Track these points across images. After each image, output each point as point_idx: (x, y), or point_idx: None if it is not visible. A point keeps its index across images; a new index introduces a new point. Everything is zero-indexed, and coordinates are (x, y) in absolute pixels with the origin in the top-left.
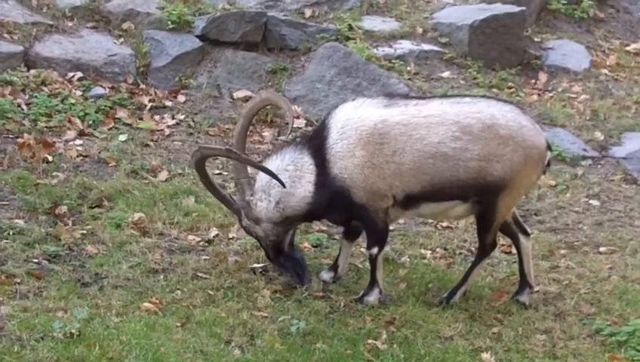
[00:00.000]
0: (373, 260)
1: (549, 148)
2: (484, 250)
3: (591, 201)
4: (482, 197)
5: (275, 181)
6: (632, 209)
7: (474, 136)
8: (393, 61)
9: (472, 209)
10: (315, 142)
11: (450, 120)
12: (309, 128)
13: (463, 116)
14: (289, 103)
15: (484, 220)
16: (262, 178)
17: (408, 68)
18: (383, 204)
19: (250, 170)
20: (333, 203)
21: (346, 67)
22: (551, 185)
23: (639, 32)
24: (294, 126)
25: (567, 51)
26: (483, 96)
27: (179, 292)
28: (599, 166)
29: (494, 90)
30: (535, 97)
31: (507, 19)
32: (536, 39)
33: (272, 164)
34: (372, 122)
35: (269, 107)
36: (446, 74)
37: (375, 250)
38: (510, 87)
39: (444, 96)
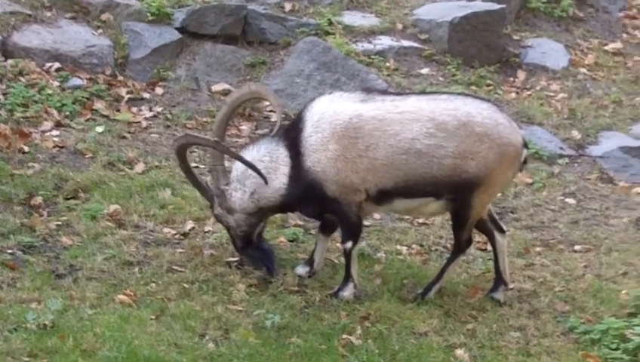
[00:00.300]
0: (347, 254)
1: (525, 146)
2: (460, 246)
3: (567, 200)
4: (456, 195)
5: (250, 172)
6: (607, 208)
7: (449, 133)
8: (372, 57)
9: (447, 206)
10: (291, 135)
11: (426, 116)
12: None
13: (438, 113)
14: (278, 99)
15: (459, 217)
16: (238, 168)
17: (387, 64)
18: (356, 198)
19: (227, 158)
20: (307, 195)
21: (325, 62)
22: (527, 183)
23: (618, 32)
24: (274, 121)
25: (546, 50)
26: (461, 94)
27: (153, 284)
28: (576, 164)
29: (473, 87)
30: (513, 95)
31: (487, 17)
32: (515, 37)
33: (248, 154)
34: (347, 116)
35: (251, 100)
36: (425, 70)
37: (349, 244)
38: (489, 85)
39: (422, 92)
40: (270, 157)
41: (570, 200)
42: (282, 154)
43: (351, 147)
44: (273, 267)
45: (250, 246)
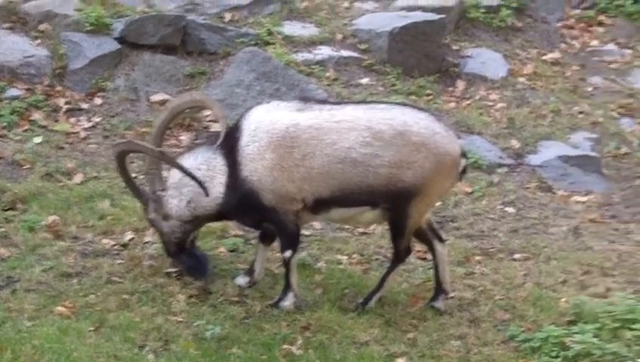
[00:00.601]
0: (287, 264)
1: (463, 155)
2: (399, 255)
3: (506, 208)
4: (393, 204)
5: (187, 179)
6: (546, 216)
7: (385, 143)
8: (312, 67)
9: (384, 215)
10: (228, 143)
11: (363, 125)
12: None
13: (375, 122)
14: (221, 109)
15: (397, 226)
16: (175, 175)
17: (327, 74)
18: (293, 207)
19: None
20: (244, 205)
21: (265, 72)
22: (467, 192)
23: (556, 42)
24: (214, 131)
25: (485, 59)
26: (399, 103)
27: (93, 296)
28: (515, 173)
29: (413, 97)
30: (453, 105)
31: (426, 27)
32: (454, 47)
33: (185, 162)
34: (284, 125)
35: (192, 109)
36: (365, 80)
37: (288, 254)
38: (428, 95)
39: (360, 101)
40: (207, 166)
41: (510, 209)
42: (219, 163)
43: (287, 156)
44: (206, 274)
45: (183, 253)
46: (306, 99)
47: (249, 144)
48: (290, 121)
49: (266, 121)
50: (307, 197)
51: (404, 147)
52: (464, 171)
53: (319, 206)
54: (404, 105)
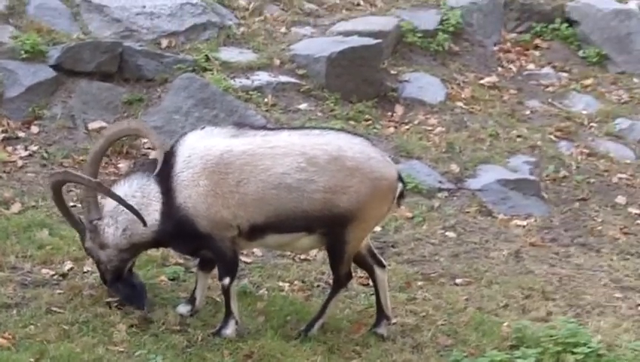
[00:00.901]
0: (226, 291)
1: (400, 179)
2: (339, 281)
3: (447, 233)
4: (329, 229)
5: (122, 207)
6: (487, 240)
7: (320, 168)
8: (250, 92)
9: (320, 240)
10: (162, 170)
11: (297, 151)
12: None
13: (309, 147)
14: (158, 136)
15: (335, 252)
16: (110, 203)
17: (266, 99)
18: (228, 233)
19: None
20: (179, 232)
21: (203, 98)
22: (408, 217)
23: (493, 66)
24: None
25: (423, 84)
26: (333, 129)
27: (32, 327)
28: (455, 198)
29: (351, 122)
30: (392, 129)
31: (364, 52)
32: (392, 72)
33: (120, 190)
34: (218, 151)
35: (129, 137)
36: (303, 106)
37: (227, 281)
38: (367, 120)
39: (295, 127)
40: (142, 193)
41: (451, 234)
42: (154, 190)
43: (222, 182)
44: (144, 303)
45: (120, 282)
46: (240, 125)
47: (183, 171)
48: (225, 147)
49: (200, 148)
50: (242, 223)
51: (339, 172)
52: (402, 196)
53: (255, 232)
54: (340, 130)
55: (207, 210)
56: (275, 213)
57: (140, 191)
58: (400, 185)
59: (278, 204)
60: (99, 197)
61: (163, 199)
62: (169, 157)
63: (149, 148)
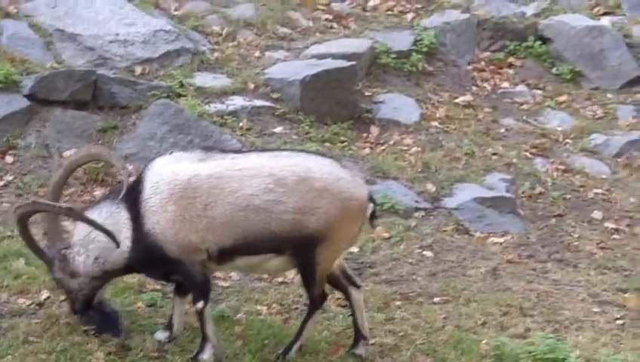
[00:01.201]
0: (200, 315)
1: (371, 200)
2: (314, 302)
3: (424, 252)
4: (299, 250)
5: (94, 235)
6: (464, 259)
7: (288, 189)
8: (225, 117)
9: (290, 262)
10: (132, 196)
11: (265, 172)
12: None
13: (278, 169)
14: (121, 161)
15: (306, 273)
16: (79, 232)
17: (241, 124)
18: (198, 257)
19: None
20: (150, 258)
21: (178, 124)
22: (385, 237)
23: (467, 85)
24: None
25: (398, 104)
26: (303, 151)
27: (10, 357)
28: (432, 217)
29: (327, 144)
30: (367, 150)
31: (338, 74)
32: (367, 93)
33: (90, 217)
34: (186, 176)
35: (98, 164)
36: (278, 129)
37: (200, 305)
38: (343, 141)
39: (264, 149)
40: (112, 220)
41: (428, 253)
42: (123, 217)
43: (190, 207)
44: (120, 329)
45: (92, 310)
46: (208, 148)
47: (151, 197)
48: (192, 172)
49: (168, 173)
50: (211, 247)
51: (308, 193)
52: (374, 216)
53: (224, 255)
54: (309, 152)
55: (176, 236)
56: (243, 235)
57: (110, 218)
58: (371, 205)
59: (247, 226)
60: (63, 226)
61: (133, 225)
62: (137, 183)
63: None
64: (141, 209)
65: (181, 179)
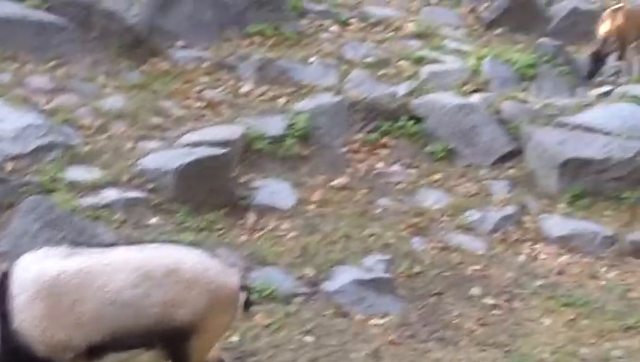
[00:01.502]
0: None
1: (243, 288)
2: None
3: (305, 338)
4: (170, 344)
5: None
6: (345, 342)
7: (156, 282)
8: (99, 210)
9: (162, 356)
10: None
11: (133, 266)
12: None
13: (145, 262)
14: None
15: None
16: None
17: (115, 216)
18: (66, 355)
19: None
20: (20, 358)
21: (52, 220)
22: (265, 324)
23: (342, 167)
24: None
25: (274, 190)
26: (172, 242)
27: None
28: (312, 301)
29: (204, 232)
30: (245, 238)
31: (212, 162)
32: (243, 179)
33: None
34: (54, 272)
35: None
36: (154, 220)
37: None
38: (219, 229)
39: (132, 242)
40: None
41: (309, 338)
42: None
43: (57, 304)
44: None
45: None
46: (77, 243)
47: (18, 295)
48: (60, 268)
49: (35, 270)
50: (79, 344)
51: (176, 284)
52: (249, 304)
53: (92, 352)
54: (177, 243)
55: (42, 334)
56: (111, 330)
57: None
58: (243, 294)
59: (115, 321)
60: None
61: (1, 324)
62: (4, 281)
63: None
64: (8, 307)
65: (48, 276)
